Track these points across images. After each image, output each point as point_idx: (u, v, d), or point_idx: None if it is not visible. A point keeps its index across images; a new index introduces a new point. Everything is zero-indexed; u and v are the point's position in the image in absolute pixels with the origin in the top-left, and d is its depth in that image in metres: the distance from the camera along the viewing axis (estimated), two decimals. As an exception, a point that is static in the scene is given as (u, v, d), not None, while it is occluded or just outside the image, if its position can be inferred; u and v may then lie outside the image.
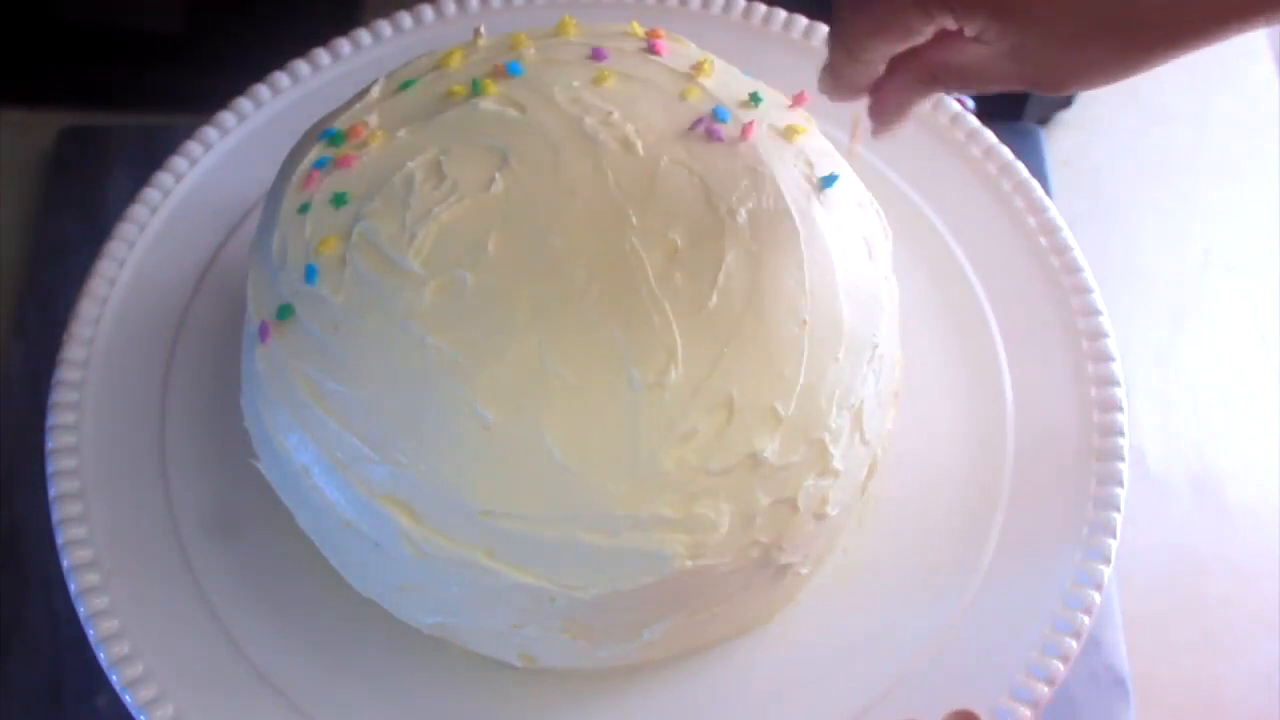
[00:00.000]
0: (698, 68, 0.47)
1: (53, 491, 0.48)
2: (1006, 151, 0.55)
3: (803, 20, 0.57)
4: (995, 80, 0.42)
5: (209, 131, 0.56)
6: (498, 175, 0.44)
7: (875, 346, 0.44)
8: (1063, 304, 0.52)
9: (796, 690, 0.46)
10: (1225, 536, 0.57)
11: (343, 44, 0.57)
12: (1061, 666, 0.45)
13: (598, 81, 0.46)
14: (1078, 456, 0.49)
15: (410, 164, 0.45)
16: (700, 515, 0.41)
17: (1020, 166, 0.55)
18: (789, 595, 0.47)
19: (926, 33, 0.41)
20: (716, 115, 0.46)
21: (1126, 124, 0.68)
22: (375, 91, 0.48)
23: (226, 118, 0.56)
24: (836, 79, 0.45)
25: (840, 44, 0.43)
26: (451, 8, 0.58)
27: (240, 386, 0.48)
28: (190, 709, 0.45)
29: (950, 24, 0.41)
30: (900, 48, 0.43)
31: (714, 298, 0.42)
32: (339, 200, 0.45)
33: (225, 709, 0.45)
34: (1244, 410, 0.60)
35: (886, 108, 0.45)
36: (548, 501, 0.40)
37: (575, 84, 0.46)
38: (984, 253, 0.54)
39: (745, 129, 0.45)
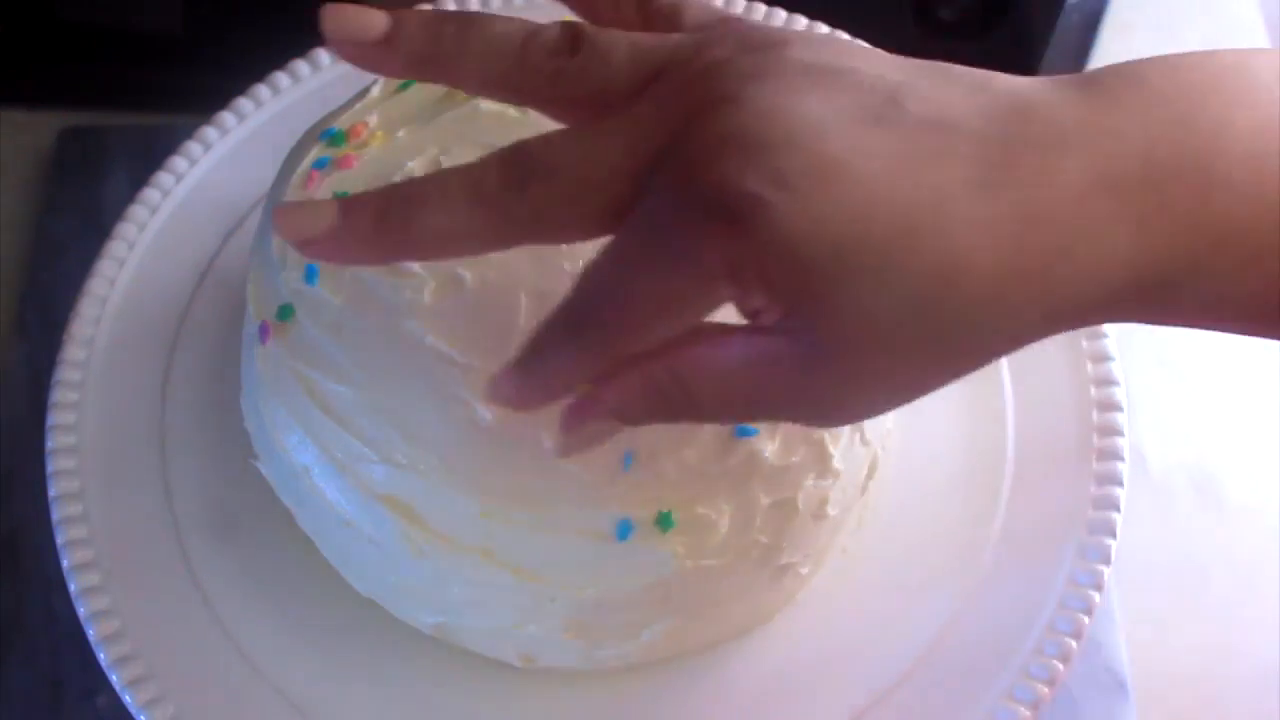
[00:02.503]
0: (698, 68, 0.47)
1: (53, 491, 0.48)
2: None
3: (803, 20, 0.57)
4: (769, 401, 0.34)
5: (209, 131, 0.56)
6: (498, 175, 0.44)
7: (875, 346, 0.44)
8: (1063, 304, 0.52)
9: (796, 690, 0.46)
10: (1225, 536, 0.57)
11: (343, 44, 0.57)
12: (1061, 666, 0.45)
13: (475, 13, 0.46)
14: (1078, 456, 0.49)
15: (410, 164, 0.45)
16: (700, 515, 0.41)
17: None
18: (789, 595, 0.47)
19: (706, 310, 0.33)
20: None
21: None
22: (375, 91, 0.48)
23: (226, 118, 0.56)
24: (546, 373, 0.34)
25: (592, 320, 0.33)
26: (451, 8, 0.58)
27: (240, 386, 0.48)
28: (190, 709, 0.45)
29: (749, 301, 0.33)
30: (661, 335, 0.33)
31: (714, 298, 0.42)
32: (339, 200, 0.45)
33: (225, 709, 0.45)
34: (1244, 410, 0.60)
35: (588, 418, 0.35)
36: (548, 501, 0.40)
37: (575, 84, 0.46)
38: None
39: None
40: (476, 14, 0.36)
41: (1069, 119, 0.32)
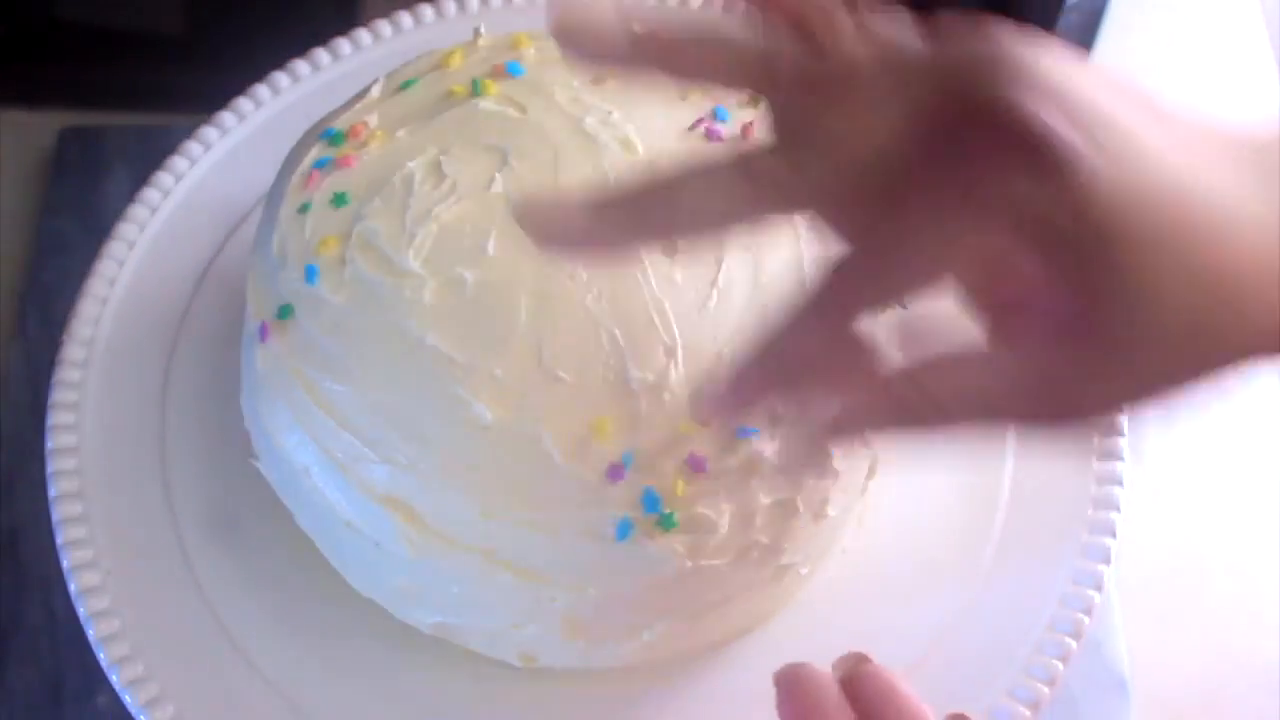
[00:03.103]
0: (698, 68, 0.47)
1: (53, 491, 0.48)
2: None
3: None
4: (1001, 407, 0.33)
5: (209, 131, 0.56)
6: (498, 175, 0.44)
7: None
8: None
9: (796, 690, 0.46)
10: (1225, 536, 0.57)
11: (343, 44, 0.57)
12: (1061, 666, 0.45)
13: (598, 81, 0.46)
14: (1078, 457, 0.49)
15: (410, 164, 0.45)
16: (700, 515, 0.41)
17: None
18: (789, 595, 0.47)
19: (967, 265, 0.32)
20: (716, 115, 0.46)
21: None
22: (375, 91, 0.48)
23: (226, 118, 0.56)
24: (785, 339, 0.33)
25: (849, 268, 0.32)
26: (451, 8, 0.58)
27: (240, 386, 0.48)
28: (190, 709, 0.44)
29: (1018, 262, 0.31)
30: (914, 287, 0.32)
31: (714, 298, 0.42)
32: (339, 200, 0.45)
33: (225, 709, 0.45)
34: (1244, 410, 0.60)
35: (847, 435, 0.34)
36: (547, 501, 0.40)
37: (575, 84, 0.46)
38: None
39: (745, 129, 0.45)
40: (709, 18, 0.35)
41: None
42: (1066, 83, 0.30)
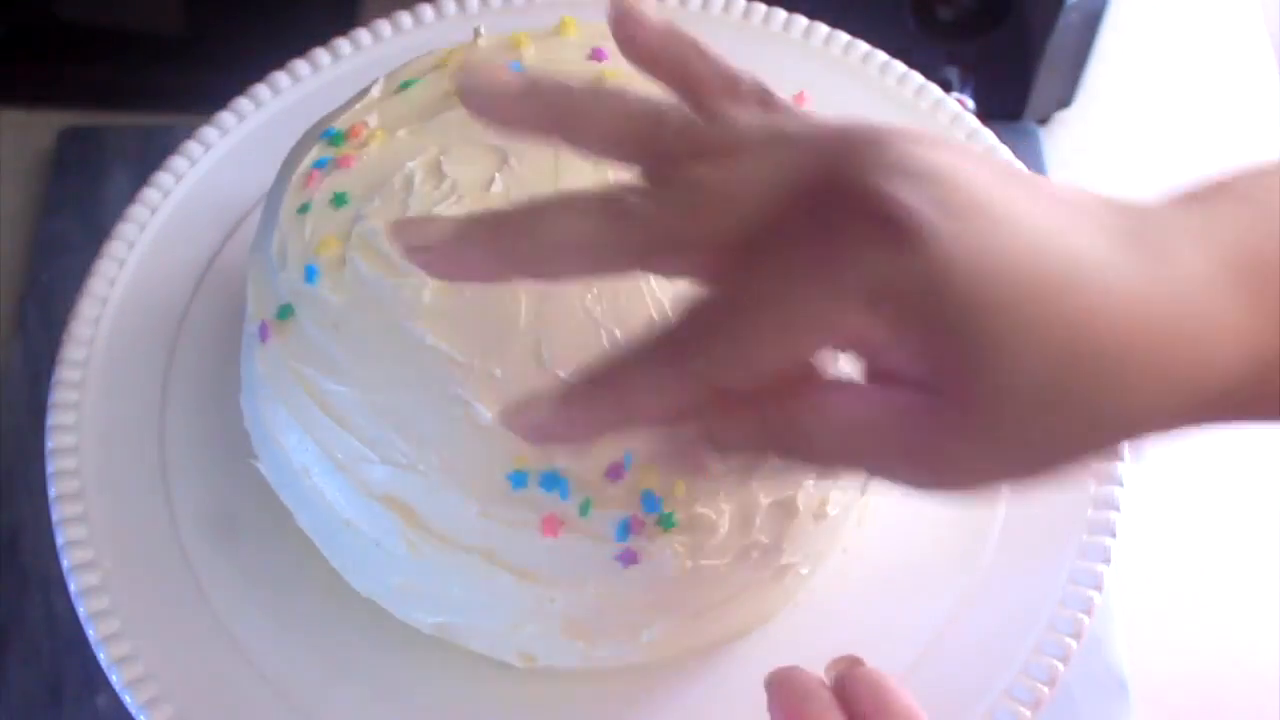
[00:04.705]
0: (698, 68, 0.47)
1: (53, 491, 0.48)
2: (1006, 151, 0.55)
3: (803, 20, 0.57)
4: (889, 456, 0.32)
5: (209, 131, 0.56)
6: (498, 175, 0.44)
7: (875, 346, 0.44)
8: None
9: (796, 690, 0.46)
10: (1225, 536, 0.57)
11: (343, 44, 0.57)
12: (1061, 666, 0.45)
13: (598, 81, 0.46)
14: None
15: (410, 164, 0.45)
16: (700, 515, 0.41)
17: (1020, 166, 0.55)
18: (789, 595, 0.47)
19: (820, 344, 0.32)
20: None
21: (1126, 124, 0.68)
22: (375, 91, 0.48)
23: (226, 118, 0.56)
24: (612, 401, 0.33)
25: (697, 346, 0.32)
26: (451, 8, 0.58)
27: (240, 386, 0.48)
28: (190, 709, 0.44)
29: (869, 341, 0.31)
30: (766, 368, 0.32)
31: (714, 298, 0.42)
32: (339, 200, 0.45)
33: (225, 709, 0.45)
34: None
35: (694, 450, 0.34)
36: (547, 502, 0.40)
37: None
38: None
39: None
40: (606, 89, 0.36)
41: (1178, 216, 0.32)
42: (930, 162, 0.31)
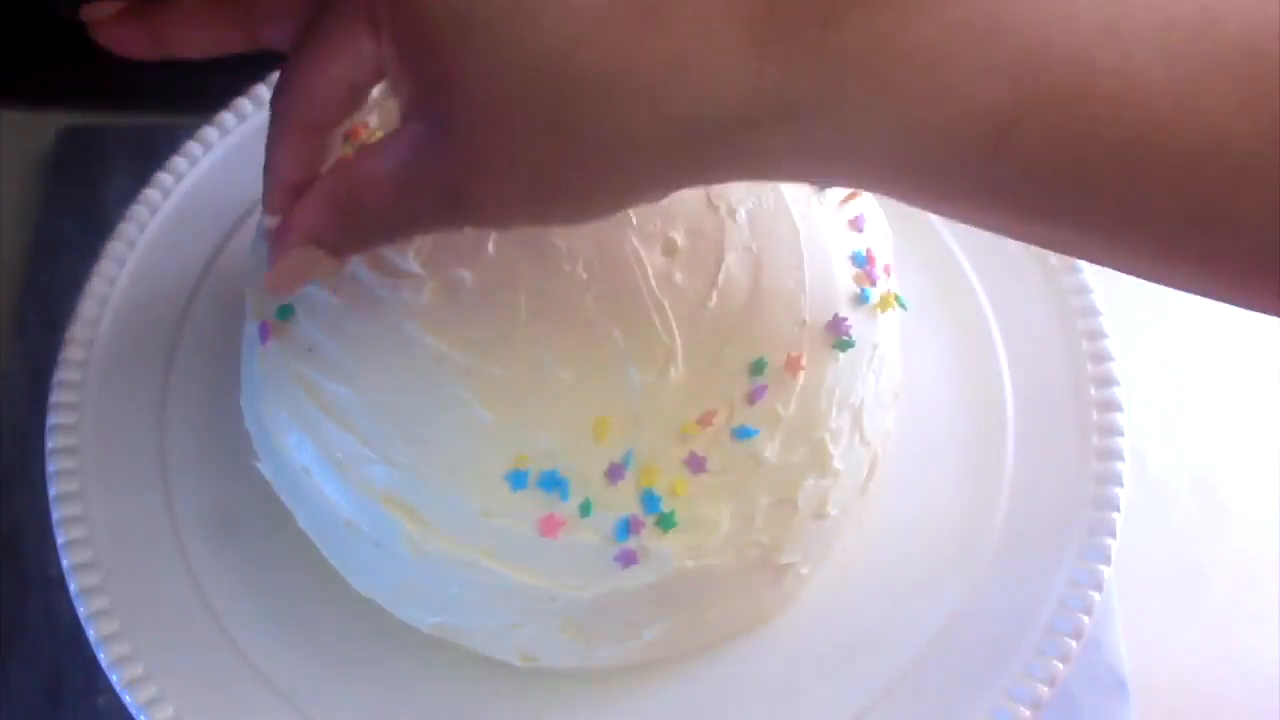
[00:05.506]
0: (698, 68, 0.47)
1: (53, 491, 0.48)
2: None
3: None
4: (416, 199, 0.34)
5: (209, 131, 0.56)
6: (498, 175, 0.44)
7: (875, 346, 0.44)
8: (1063, 304, 0.52)
9: (796, 690, 0.46)
10: (1225, 536, 0.57)
11: (343, 44, 0.57)
12: (1061, 666, 0.45)
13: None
14: (1078, 456, 0.49)
15: (410, 164, 0.45)
16: (700, 515, 0.41)
17: None
18: (789, 595, 0.47)
19: (358, 68, 0.34)
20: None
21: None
22: (375, 92, 0.48)
23: (226, 118, 0.56)
24: (270, 175, 0.36)
25: (277, 90, 0.35)
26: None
27: (240, 387, 0.48)
28: (190, 709, 0.45)
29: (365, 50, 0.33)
30: (326, 100, 0.35)
31: (714, 298, 0.42)
32: (339, 200, 0.45)
33: (225, 709, 0.45)
34: (1244, 410, 0.60)
35: (289, 245, 0.36)
36: (547, 501, 0.40)
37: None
38: (984, 252, 0.54)
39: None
40: None
41: None
42: None
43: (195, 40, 0.38)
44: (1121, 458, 0.49)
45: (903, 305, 0.47)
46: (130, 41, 0.39)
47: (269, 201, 0.36)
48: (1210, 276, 0.33)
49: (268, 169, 0.36)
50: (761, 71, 0.31)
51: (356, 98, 0.35)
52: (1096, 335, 0.51)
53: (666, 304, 0.42)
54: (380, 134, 0.46)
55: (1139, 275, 0.33)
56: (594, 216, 0.34)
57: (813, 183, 0.35)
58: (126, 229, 0.53)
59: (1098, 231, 0.32)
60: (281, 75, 0.35)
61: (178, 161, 0.55)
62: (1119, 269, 0.33)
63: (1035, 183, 0.31)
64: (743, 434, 0.41)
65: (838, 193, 0.46)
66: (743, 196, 0.44)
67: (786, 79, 0.31)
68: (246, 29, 0.38)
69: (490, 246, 0.43)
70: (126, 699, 0.45)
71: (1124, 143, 0.30)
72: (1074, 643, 0.45)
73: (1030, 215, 0.33)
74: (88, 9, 0.38)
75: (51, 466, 0.48)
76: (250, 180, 0.53)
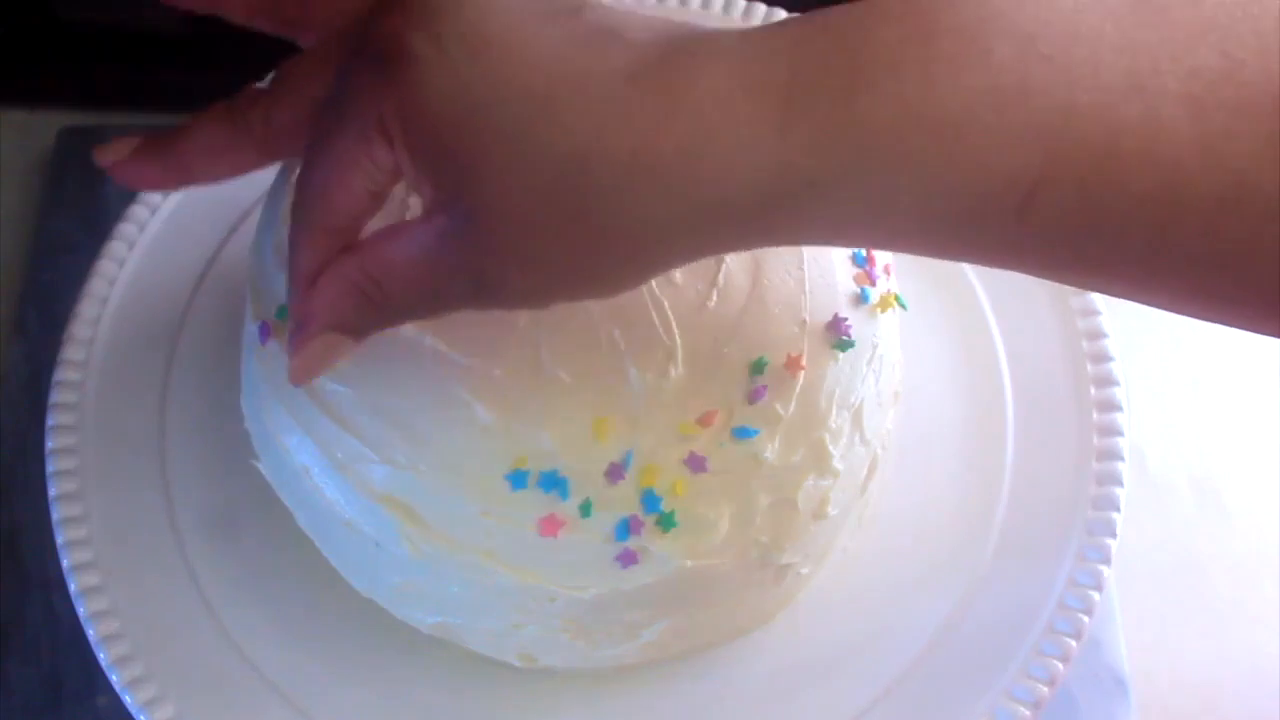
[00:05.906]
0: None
1: (53, 491, 0.48)
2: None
3: (803, 20, 0.57)
4: (444, 285, 0.34)
5: (209, 131, 0.56)
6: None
7: (875, 346, 0.44)
8: (1062, 304, 0.52)
9: (796, 690, 0.46)
10: (1225, 536, 0.57)
11: (343, 44, 0.57)
12: (1061, 666, 0.45)
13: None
14: (1078, 456, 0.49)
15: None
16: (700, 515, 0.41)
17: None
18: (789, 595, 0.47)
19: (376, 177, 0.34)
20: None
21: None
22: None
23: (227, 118, 0.56)
24: (295, 272, 0.36)
25: (298, 201, 0.35)
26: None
27: (240, 387, 0.48)
28: (190, 709, 0.45)
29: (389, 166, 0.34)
30: (347, 210, 0.35)
31: (714, 298, 0.42)
32: (339, 200, 0.45)
33: (225, 709, 0.45)
34: (1244, 411, 0.60)
35: (311, 334, 0.36)
36: (547, 501, 0.40)
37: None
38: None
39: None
40: None
41: (731, 37, 0.32)
42: (443, 4, 0.33)
43: (214, 168, 0.39)
44: (1121, 458, 0.49)
45: (903, 305, 0.47)
46: (150, 177, 0.40)
47: (294, 295, 0.36)
48: (1239, 312, 0.33)
49: (292, 266, 0.36)
50: (784, 149, 0.31)
51: (377, 200, 0.35)
52: (1096, 335, 0.51)
53: (666, 304, 0.42)
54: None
55: (1166, 310, 0.33)
56: (624, 290, 0.34)
57: (832, 245, 0.35)
58: (126, 229, 0.53)
59: (1125, 279, 0.32)
60: (300, 182, 0.35)
61: (178, 161, 0.55)
62: (1146, 304, 0.34)
63: (1061, 239, 0.31)
64: (743, 434, 0.41)
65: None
66: (743, 196, 0.44)
67: (809, 155, 0.31)
68: (262, 150, 0.39)
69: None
70: (126, 699, 0.45)
71: (1151, 196, 0.30)
72: (1074, 643, 0.45)
73: (1056, 267, 0.33)
74: (100, 152, 0.40)
75: (51, 466, 0.48)
76: (250, 180, 0.53)
